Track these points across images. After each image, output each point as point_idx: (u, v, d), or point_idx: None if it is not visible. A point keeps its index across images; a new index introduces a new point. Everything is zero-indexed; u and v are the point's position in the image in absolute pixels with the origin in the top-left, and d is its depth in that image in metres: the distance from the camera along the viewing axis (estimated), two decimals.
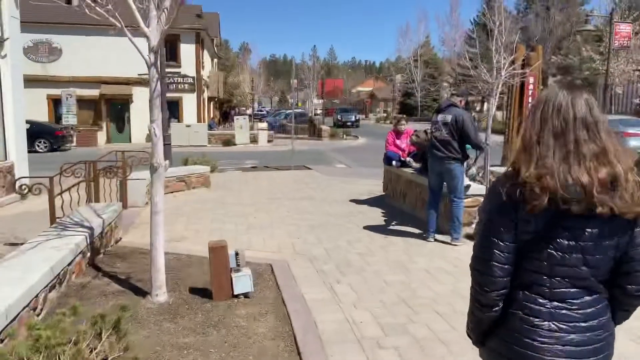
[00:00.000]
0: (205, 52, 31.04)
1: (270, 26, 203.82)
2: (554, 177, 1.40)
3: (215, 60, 42.61)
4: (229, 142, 23.03)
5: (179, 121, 26.60)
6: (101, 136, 25.93)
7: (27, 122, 23.06)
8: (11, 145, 9.58)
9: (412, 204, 7.77)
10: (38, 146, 21.22)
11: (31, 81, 26.10)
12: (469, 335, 1.75)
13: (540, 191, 1.40)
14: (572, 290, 1.49)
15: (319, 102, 52.37)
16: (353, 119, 41.08)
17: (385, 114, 52.60)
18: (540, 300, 1.50)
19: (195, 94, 26.80)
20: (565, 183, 1.39)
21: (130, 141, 26.07)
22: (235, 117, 24.47)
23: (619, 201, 1.39)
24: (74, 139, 23.46)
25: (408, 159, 7.88)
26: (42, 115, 25.00)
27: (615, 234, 1.45)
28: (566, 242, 1.45)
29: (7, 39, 9.22)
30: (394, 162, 8.27)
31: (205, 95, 30.46)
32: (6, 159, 9.51)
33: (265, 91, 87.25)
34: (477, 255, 1.57)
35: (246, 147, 22.97)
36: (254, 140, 24.60)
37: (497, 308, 1.56)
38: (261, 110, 64.06)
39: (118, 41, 26.46)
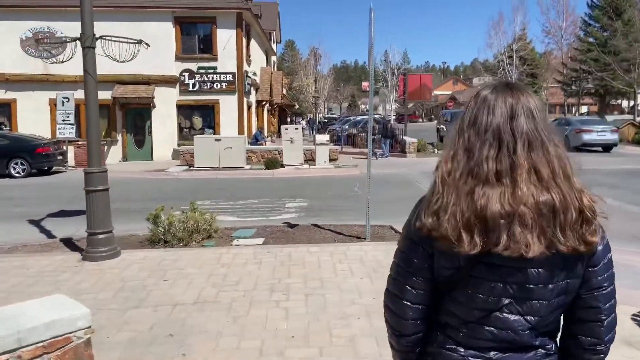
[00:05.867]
0: (254, 44, 24.47)
1: (341, 32, 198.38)
2: (455, 219, 1.10)
3: (273, 58, 36.25)
4: (273, 162, 16.03)
5: (214, 132, 20.13)
6: (115, 152, 19.96)
7: (1, 136, 17.70)
8: None
9: None
10: (14, 169, 15.39)
11: (28, 82, 20.94)
12: None
13: (442, 241, 1.13)
14: (496, 344, 1.18)
15: (396, 106, 44.70)
16: None
17: None
18: (453, 346, 1.22)
19: (236, 95, 20.15)
20: (469, 219, 1.10)
21: (151, 158, 19.91)
22: (283, 128, 17.45)
23: (558, 235, 1.08)
24: (71, 157, 17.53)
25: None
26: (44, 126, 19.50)
27: (562, 275, 1.13)
28: (492, 284, 1.14)
29: None
30: None
31: (253, 98, 23.84)
32: None
33: (334, 97, 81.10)
34: (389, 289, 1.30)
35: (297, 171, 15.81)
36: (310, 158, 17.44)
37: (412, 355, 1.32)
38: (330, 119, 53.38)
39: (137, 27, 20.49)
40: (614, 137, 20.37)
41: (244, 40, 20.86)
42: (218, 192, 11.75)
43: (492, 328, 1.16)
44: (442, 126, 25.64)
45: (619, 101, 56.22)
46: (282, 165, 16.40)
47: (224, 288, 4.78)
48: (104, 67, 20.25)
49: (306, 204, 9.96)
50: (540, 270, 1.11)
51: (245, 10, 20.00)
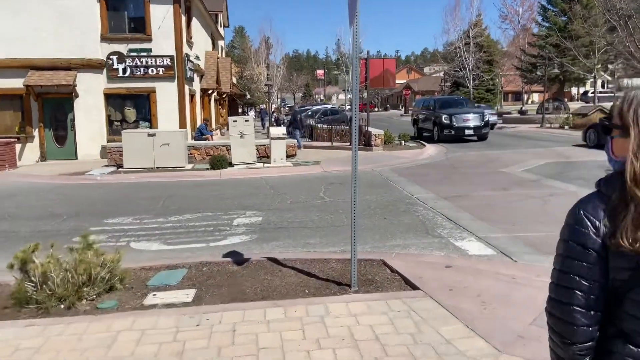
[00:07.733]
0: (197, 24, 21.68)
1: (293, 21, 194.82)
2: None
3: (221, 43, 33.37)
4: (220, 161, 13.54)
5: (151, 125, 17.36)
6: (31, 151, 16.81)
7: None
8: None
9: None
10: None
11: None
12: None
13: None
14: None
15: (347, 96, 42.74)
16: (476, 122, 19.26)
17: None
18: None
19: (176, 82, 17.41)
20: None
21: (76, 157, 16.91)
22: (231, 120, 14.94)
23: None
24: None
25: None
26: None
27: None
28: None
29: None
30: None
31: (197, 85, 21.10)
32: None
33: (287, 87, 78.28)
34: (554, 298, 1.23)
35: (248, 171, 13.41)
36: (264, 155, 15.08)
37: None
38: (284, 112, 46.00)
39: (54, 2, 17.20)
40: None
41: (184, 19, 18.10)
42: (146, 202, 9.24)
43: None
44: (418, 116, 23.10)
45: (569, 88, 56.76)
46: (231, 164, 13.94)
47: None
48: (13, 49, 17.10)
49: (260, 219, 7.66)
50: None
51: None
